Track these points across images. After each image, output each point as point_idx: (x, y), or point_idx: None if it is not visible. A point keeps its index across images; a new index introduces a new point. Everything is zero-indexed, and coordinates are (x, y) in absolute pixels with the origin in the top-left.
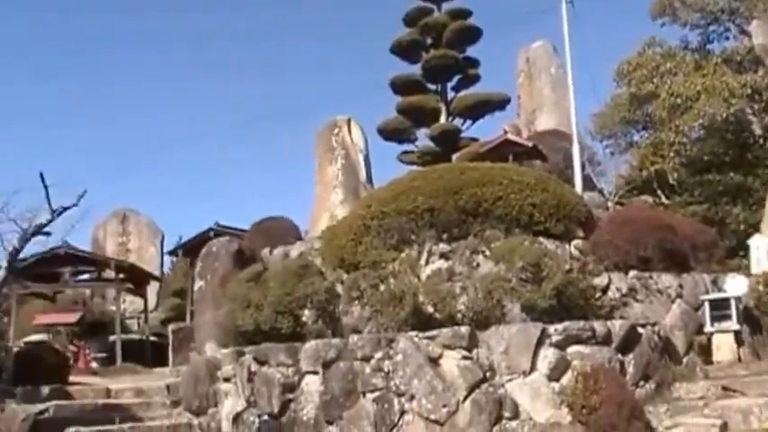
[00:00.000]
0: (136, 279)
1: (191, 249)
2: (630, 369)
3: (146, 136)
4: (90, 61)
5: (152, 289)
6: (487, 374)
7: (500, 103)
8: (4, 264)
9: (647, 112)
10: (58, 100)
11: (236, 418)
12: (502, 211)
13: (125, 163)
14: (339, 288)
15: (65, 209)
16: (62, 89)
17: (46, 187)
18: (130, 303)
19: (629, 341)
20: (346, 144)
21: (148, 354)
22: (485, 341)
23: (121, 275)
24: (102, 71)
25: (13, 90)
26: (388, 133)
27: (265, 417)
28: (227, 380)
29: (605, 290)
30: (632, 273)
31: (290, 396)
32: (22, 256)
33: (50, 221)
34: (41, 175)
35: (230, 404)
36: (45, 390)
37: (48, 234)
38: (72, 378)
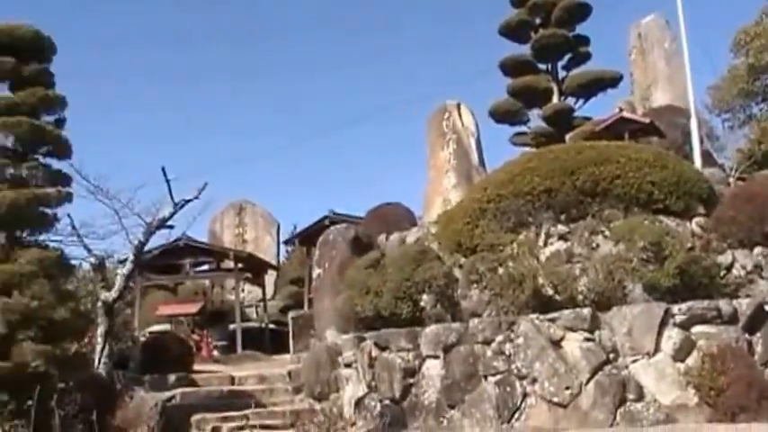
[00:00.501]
0: (254, 269)
1: (307, 238)
2: (758, 349)
3: (260, 130)
4: (203, 57)
5: (269, 278)
6: (610, 356)
7: (612, 81)
8: (131, 257)
9: (767, 83)
10: (176, 95)
11: (358, 403)
12: (620, 190)
13: (240, 156)
14: (457, 272)
15: (186, 201)
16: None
17: (168, 181)
18: (249, 293)
19: (757, 320)
20: (457, 128)
21: (267, 341)
22: (607, 322)
23: (240, 265)
24: (215, 67)
25: (139, 85)
26: (500, 115)
27: (387, 401)
28: (347, 365)
29: (729, 268)
30: (757, 249)
31: (411, 381)
32: (145, 249)
33: (173, 215)
34: (163, 169)
35: (351, 389)
36: (171, 378)
37: (171, 227)
38: (196, 366)
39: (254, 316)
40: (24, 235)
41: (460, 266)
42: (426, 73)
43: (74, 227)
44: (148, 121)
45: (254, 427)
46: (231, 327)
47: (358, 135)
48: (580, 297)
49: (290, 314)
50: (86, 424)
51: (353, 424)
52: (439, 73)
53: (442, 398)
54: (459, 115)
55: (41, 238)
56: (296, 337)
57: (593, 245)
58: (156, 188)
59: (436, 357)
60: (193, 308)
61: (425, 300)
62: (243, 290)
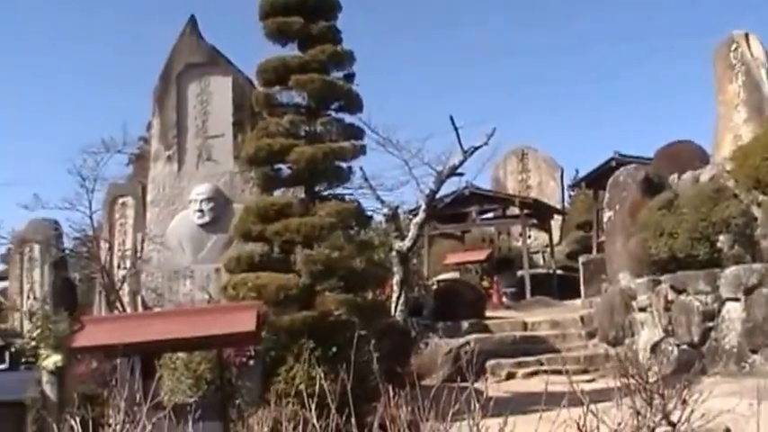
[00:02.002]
0: (539, 214)
1: (593, 181)
2: None
3: (535, 73)
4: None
5: (555, 223)
6: None
7: None
8: (423, 206)
9: None
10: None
11: (654, 348)
12: None
13: (519, 102)
14: (756, 211)
15: (476, 149)
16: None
17: (456, 129)
18: (534, 239)
19: None
20: (746, 60)
21: (555, 287)
22: None
23: (526, 211)
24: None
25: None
26: None
27: (684, 346)
28: (642, 310)
29: None
30: None
31: (710, 324)
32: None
33: (462, 162)
34: (451, 118)
35: (647, 334)
36: (464, 324)
37: (461, 175)
38: (487, 313)
39: (541, 262)
40: (322, 189)
41: (759, 204)
42: (710, 3)
43: (366, 179)
44: (433, 73)
45: (547, 372)
46: (519, 273)
47: (641, 75)
48: None
49: (581, 259)
50: (386, 370)
51: (649, 369)
52: (723, 2)
53: (744, 342)
54: (748, 45)
55: (338, 191)
56: (587, 282)
57: None
58: (443, 137)
59: (736, 300)
60: (481, 255)
61: (722, 240)
62: (529, 236)
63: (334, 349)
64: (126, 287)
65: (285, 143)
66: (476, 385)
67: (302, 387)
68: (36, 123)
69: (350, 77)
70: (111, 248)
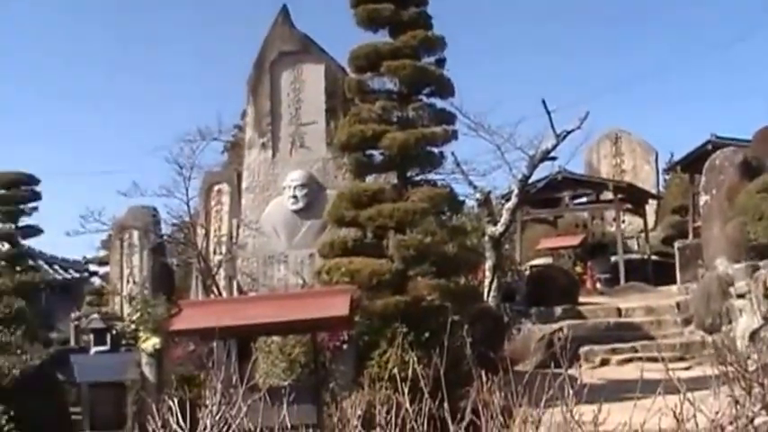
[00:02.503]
0: (634, 199)
1: (689, 165)
2: None
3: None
4: None
5: (649, 208)
6: None
7: None
8: (516, 191)
9: None
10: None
11: (753, 336)
12: None
13: (614, 84)
14: None
15: (568, 132)
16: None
17: (549, 113)
18: (629, 224)
19: None
20: None
21: (650, 273)
22: None
23: (619, 196)
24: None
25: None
26: None
27: None
28: (740, 296)
29: None
30: None
31: None
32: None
33: (555, 146)
34: (544, 101)
35: (745, 321)
36: (557, 310)
37: (554, 159)
38: (580, 298)
39: (636, 247)
40: (414, 174)
41: None
42: None
43: (458, 164)
44: (525, 59)
45: (641, 359)
46: (613, 259)
47: (743, 52)
48: None
49: (676, 244)
50: (478, 355)
51: (748, 357)
52: None
53: None
54: None
55: (430, 176)
56: (683, 268)
57: None
58: (535, 121)
59: None
60: (574, 240)
61: None
62: (623, 221)
63: (427, 334)
64: (222, 272)
65: (377, 129)
66: (569, 372)
67: (395, 371)
68: (135, 114)
69: (441, 62)
70: (207, 234)
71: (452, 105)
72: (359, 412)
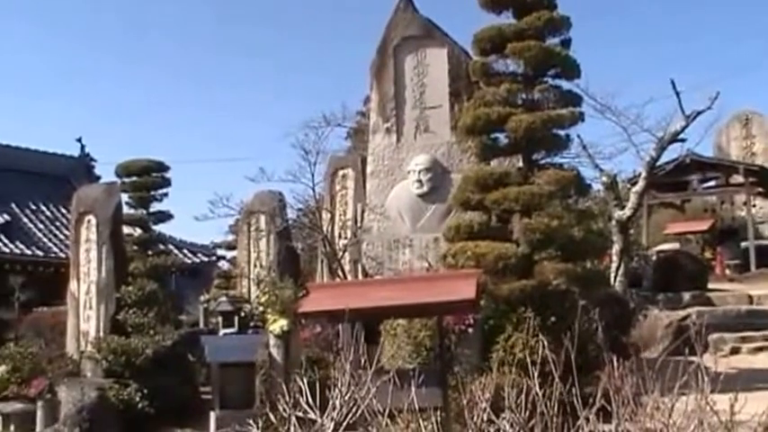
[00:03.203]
0: (766, 182)
1: None
2: None
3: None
4: None
5: None
6: None
7: None
8: (643, 174)
9: None
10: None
11: None
12: None
13: (744, 63)
14: None
15: (698, 113)
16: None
17: (677, 94)
18: (760, 208)
19: None
20: None
21: None
22: None
23: (751, 180)
24: None
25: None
26: None
27: None
28: None
29: None
30: None
31: None
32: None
33: (684, 128)
34: (672, 82)
35: None
36: (686, 296)
37: (682, 141)
38: (710, 285)
39: (767, 233)
40: (539, 157)
41: None
42: None
43: (584, 147)
44: (653, 41)
45: None
46: (743, 244)
47: None
48: None
49: None
50: (606, 340)
51: None
52: None
53: None
54: None
55: (555, 159)
56: None
57: None
58: (663, 102)
59: None
60: (703, 225)
61: None
62: (754, 205)
63: (553, 319)
64: (347, 256)
65: (502, 112)
66: (699, 360)
67: (521, 356)
68: (262, 101)
69: (566, 43)
70: (332, 219)
71: (578, 87)
72: (487, 395)
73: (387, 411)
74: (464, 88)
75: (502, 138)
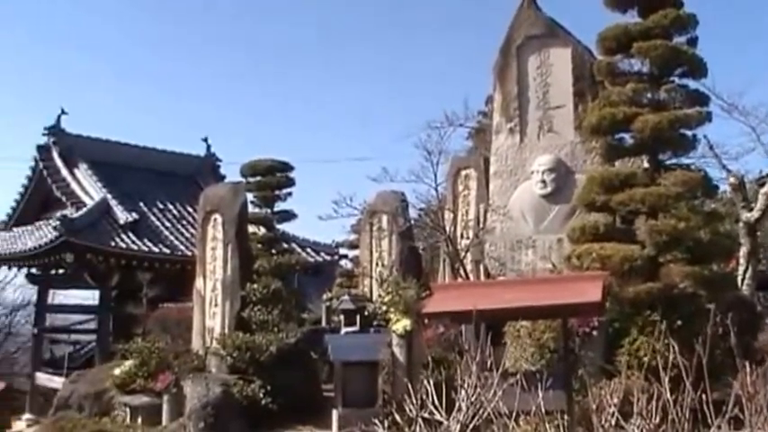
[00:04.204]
0: None
1: None
2: None
3: None
4: None
5: None
6: None
7: None
8: None
9: None
10: None
11: None
12: None
13: None
14: None
15: None
16: None
17: None
18: None
19: None
20: None
21: None
22: None
23: None
24: None
25: None
26: None
27: None
28: None
29: None
30: None
31: None
32: None
33: None
34: None
35: None
36: None
37: None
38: None
39: None
40: (665, 158)
41: None
42: None
43: (711, 147)
44: None
45: None
46: None
47: None
48: None
49: None
50: (734, 345)
51: None
52: None
53: None
54: None
55: (682, 160)
56: None
57: None
58: None
59: None
60: None
61: None
62: None
63: (679, 322)
64: (469, 256)
65: (628, 112)
66: None
67: (646, 359)
68: (387, 102)
69: (693, 42)
70: (454, 219)
71: (704, 86)
72: (615, 400)
73: (512, 414)
74: (588, 88)
75: (627, 138)
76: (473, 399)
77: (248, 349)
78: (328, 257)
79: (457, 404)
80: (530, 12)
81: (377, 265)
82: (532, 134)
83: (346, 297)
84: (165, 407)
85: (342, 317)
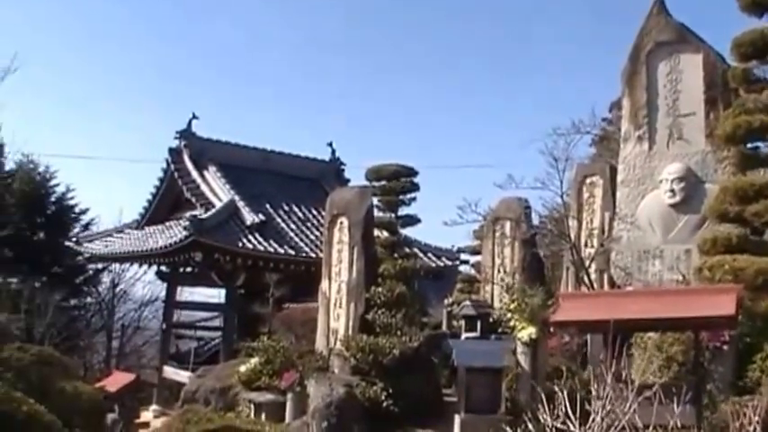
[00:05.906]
0: None
1: None
2: None
3: None
4: None
5: None
6: None
7: None
8: None
9: None
10: None
11: None
12: None
13: None
14: None
15: None
16: None
17: None
18: None
19: None
20: None
21: None
22: None
23: None
24: None
25: None
26: None
27: None
28: None
29: None
30: None
31: None
32: None
33: None
34: None
35: None
36: None
37: None
38: None
39: None
40: None
41: None
42: None
43: None
44: None
45: None
46: None
47: None
48: None
49: None
50: None
51: None
52: None
53: None
54: None
55: None
56: None
57: None
58: None
59: None
60: None
61: None
62: None
63: None
64: (593, 265)
65: (765, 120)
66: None
67: None
68: (511, 109)
69: None
70: (579, 226)
71: None
72: (756, 418)
73: (645, 427)
74: (720, 95)
75: (763, 147)
76: (608, 410)
77: (371, 351)
78: (449, 262)
79: (591, 415)
80: (660, 18)
81: (498, 271)
82: (662, 142)
83: (468, 303)
84: (288, 405)
85: (462, 322)
